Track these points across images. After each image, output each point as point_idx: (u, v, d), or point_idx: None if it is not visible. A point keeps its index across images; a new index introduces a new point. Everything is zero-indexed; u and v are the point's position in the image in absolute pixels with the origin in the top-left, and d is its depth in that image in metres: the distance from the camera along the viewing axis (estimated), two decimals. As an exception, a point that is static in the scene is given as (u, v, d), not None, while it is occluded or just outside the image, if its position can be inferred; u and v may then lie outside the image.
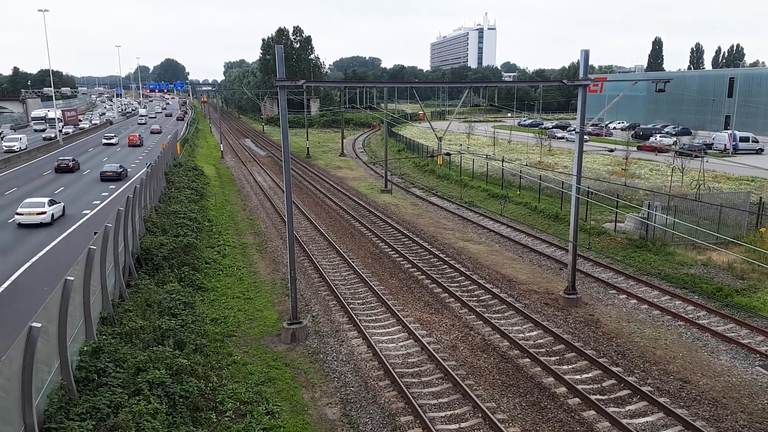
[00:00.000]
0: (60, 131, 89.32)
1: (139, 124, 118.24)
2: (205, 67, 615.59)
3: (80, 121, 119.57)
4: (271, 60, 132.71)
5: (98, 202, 38.96)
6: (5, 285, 22.16)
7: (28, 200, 33.45)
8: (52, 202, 33.39)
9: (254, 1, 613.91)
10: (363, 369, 17.47)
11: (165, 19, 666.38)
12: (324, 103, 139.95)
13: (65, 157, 55.43)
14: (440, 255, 29.16)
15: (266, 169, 63.11)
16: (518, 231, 34.44)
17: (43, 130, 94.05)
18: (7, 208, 36.03)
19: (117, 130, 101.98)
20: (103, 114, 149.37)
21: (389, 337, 19.76)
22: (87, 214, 35.14)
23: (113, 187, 45.05)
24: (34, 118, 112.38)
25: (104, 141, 79.78)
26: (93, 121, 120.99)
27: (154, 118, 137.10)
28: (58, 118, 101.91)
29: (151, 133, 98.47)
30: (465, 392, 15.79)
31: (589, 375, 17.18)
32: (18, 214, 31.92)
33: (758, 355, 18.32)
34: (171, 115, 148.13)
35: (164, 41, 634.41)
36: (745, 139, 70.12)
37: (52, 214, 32.65)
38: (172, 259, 24.71)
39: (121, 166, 50.48)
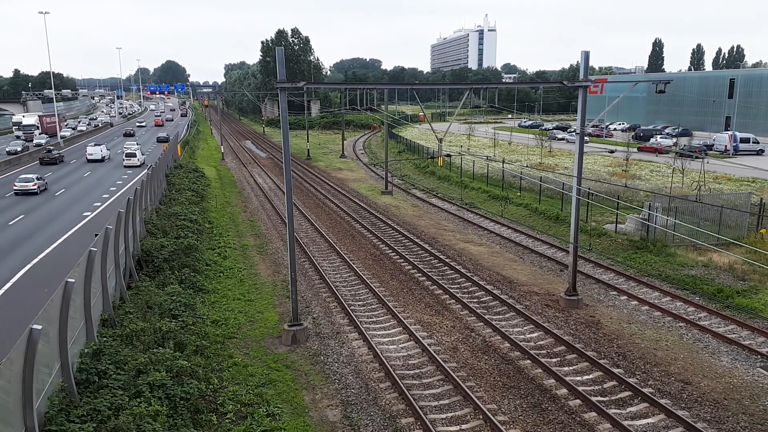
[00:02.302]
0: (30, 141, 78.08)
1: (155, 116, 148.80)
2: (206, 68, 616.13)
3: (64, 126, 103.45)
4: (271, 62, 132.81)
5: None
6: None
7: (128, 143, 74.71)
8: (137, 144, 70.97)
9: (254, 2, 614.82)
10: (364, 371, 17.46)
11: (165, 20, 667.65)
12: (324, 105, 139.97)
13: (129, 128, 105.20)
14: (441, 256, 29.15)
15: (267, 170, 63.13)
16: (519, 232, 34.43)
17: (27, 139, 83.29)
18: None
19: (119, 131, 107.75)
20: (95, 118, 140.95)
21: (390, 338, 19.75)
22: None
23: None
24: (14, 124, 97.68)
25: (137, 125, 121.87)
26: (79, 128, 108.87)
27: (164, 112, 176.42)
28: (35, 125, 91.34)
29: (165, 120, 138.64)
30: (466, 394, 15.77)
31: (590, 376, 17.17)
32: (125, 148, 66.21)
33: (759, 356, 18.29)
34: (174, 110, 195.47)
35: (165, 43, 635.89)
36: (746, 140, 70.13)
37: (140, 150, 64.50)
38: (172, 260, 24.71)
39: (168, 134, 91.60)
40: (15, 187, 44.74)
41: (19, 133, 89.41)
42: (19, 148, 68.66)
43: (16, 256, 27.30)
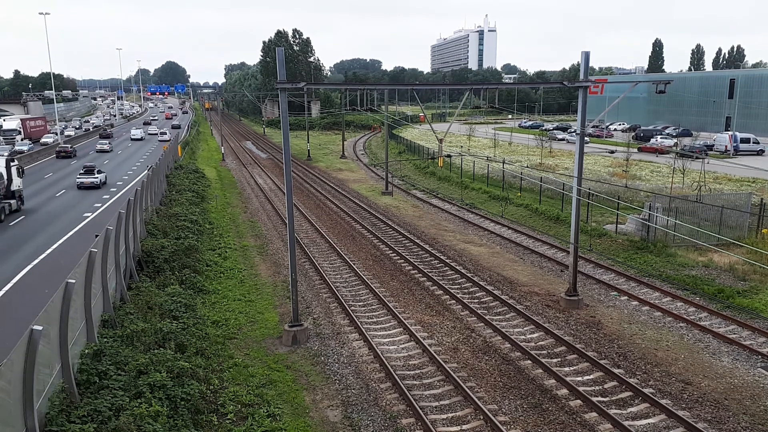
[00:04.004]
0: (12, 147, 69.80)
1: (160, 112, 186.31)
2: (206, 69, 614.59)
3: (49, 131, 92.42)
4: (271, 62, 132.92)
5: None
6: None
7: (150, 128, 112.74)
8: (165, 129, 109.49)
9: (255, 3, 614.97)
10: (364, 371, 17.46)
11: (165, 21, 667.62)
12: (325, 106, 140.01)
13: (150, 118, 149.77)
14: (441, 257, 29.14)
15: (267, 171, 63.15)
16: (519, 233, 34.43)
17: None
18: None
19: (118, 132, 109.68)
20: (87, 121, 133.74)
21: (390, 339, 19.75)
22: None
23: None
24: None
25: (151, 118, 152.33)
26: (67, 133, 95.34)
27: (164, 110, 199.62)
28: (17, 130, 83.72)
29: (172, 115, 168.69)
30: (466, 394, 15.77)
31: (591, 377, 17.16)
32: (152, 130, 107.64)
33: (760, 356, 18.28)
34: (172, 108, 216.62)
35: (165, 44, 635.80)
36: (746, 141, 70.15)
37: (168, 130, 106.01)
38: (173, 261, 24.70)
39: (179, 123, 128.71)
40: (96, 148, 77.82)
41: (1, 138, 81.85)
42: (6, 153, 63.14)
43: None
